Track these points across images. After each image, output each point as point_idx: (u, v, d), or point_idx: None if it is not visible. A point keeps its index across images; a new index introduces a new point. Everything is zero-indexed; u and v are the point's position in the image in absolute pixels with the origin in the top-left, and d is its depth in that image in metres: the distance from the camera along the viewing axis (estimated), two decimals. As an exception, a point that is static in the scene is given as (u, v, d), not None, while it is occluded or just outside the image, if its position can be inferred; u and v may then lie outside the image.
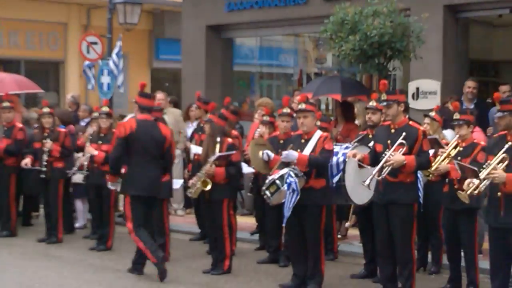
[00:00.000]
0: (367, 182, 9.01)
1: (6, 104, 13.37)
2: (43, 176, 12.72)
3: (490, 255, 8.55)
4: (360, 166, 9.41)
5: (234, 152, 10.43)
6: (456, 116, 9.46)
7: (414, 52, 12.64)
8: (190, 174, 11.99)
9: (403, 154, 8.91)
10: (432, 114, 10.49)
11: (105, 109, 12.14)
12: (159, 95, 14.62)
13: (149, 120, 10.46)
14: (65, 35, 24.69)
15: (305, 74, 19.09)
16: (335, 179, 10.17)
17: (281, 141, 10.66)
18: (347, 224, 12.07)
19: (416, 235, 10.25)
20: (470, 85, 13.24)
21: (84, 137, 12.78)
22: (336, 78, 14.67)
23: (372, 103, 10.14)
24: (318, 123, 10.70)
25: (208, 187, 10.43)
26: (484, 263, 9.54)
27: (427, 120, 10.46)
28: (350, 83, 13.72)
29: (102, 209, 12.34)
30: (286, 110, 10.69)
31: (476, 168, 8.10)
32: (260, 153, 10.16)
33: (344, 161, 10.05)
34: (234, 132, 11.59)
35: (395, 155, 8.87)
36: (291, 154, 9.43)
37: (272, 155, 10.06)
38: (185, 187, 13.74)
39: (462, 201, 8.36)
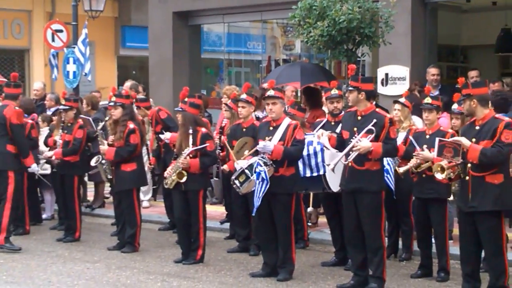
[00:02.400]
0: (331, 166, 9.01)
1: None
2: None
3: (460, 240, 8.55)
4: (325, 148, 9.39)
5: (207, 144, 10.33)
6: (428, 100, 9.45)
7: (383, 38, 12.58)
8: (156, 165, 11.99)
9: (370, 141, 8.86)
10: (402, 100, 10.44)
11: (114, 98, 11.46)
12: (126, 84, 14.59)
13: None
14: (29, 23, 24.45)
15: (273, 60, 18.98)
16: (315, 170, 10.07)
17: (244, 129, 10.59)
18: (309, 209, 12.05)
19: (387, 222, 10.27)
20: (434, 72, 13.22)
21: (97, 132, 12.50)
22: (297, 65, 14.64)
23: (334, 92, 10.07)
24: (288, 108, 10.67)
25: (184, 179, 10.34)
26: (454, 249, 9.54)
27: (397, 106, 10.42)
28: (310, 70, 13.69)
29: (66, 200, 12.19)
30: (243, 96, 10.66)
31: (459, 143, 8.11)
32: (246, 152, 10.03)
33: (322, 150, 9.96)
34: (205, 120, 11.51)
35: (362, 141, 8.83)
36: (267, 145, 9.35)
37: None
38: (154, 176, 13.69)
39: (432, 189, 8.38)
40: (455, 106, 10.11)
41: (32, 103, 14.27)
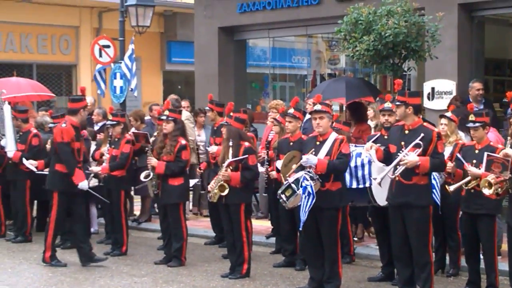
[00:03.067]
0: (378, 180, 8.98)
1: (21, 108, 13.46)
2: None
3: (510, 257, 8.45)
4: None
5: (246, 156, 10.36)
6: (472, 118, 9.36)
7: (429, 52, 12.53)
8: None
9: (418, 155, 8.83)
10: (449, 114, 10.38)
11: (166, 112, 11.50)
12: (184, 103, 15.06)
13: None
14: (77, 39, 24.71)
15: (318, 75, 18.97)
16: (361, 182, 10.06)
17: (291, 143, 10.59)
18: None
19: (434, 237, 10.19)
20: (478, 87, 13.06)
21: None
22: (342, 80, 14.55)
23: (388, 105, 10.03)
24: (334, 124, 10.67)
25: (226, 192, 10.38)
26: (503, 265, 9.44)
27: (444, 120, 10.34)
28: (356, 85, 13.62)
29: (113, 214, 12.29)
30: (291, 110, 10.66)
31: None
32: (294, 166, 10.03)
33: (369, 162, 9.94)
34: (250, 134, 11.56)
35: (409, 155, 8.81)
36: (311, 159, 9.34)
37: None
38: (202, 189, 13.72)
39: (481, 205, 8.32)
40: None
41: (85, 119, 14.39)
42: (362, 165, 9.99)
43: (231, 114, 10.86)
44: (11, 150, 13.23)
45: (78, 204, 11.53)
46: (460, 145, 9.84)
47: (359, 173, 10.00)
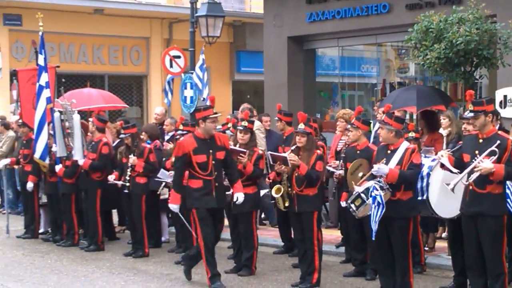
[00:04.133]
0: (451, 186, 8.92)
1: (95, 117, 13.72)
2: (126, 191, 12.88)
3: None
4: (442, 167, 9.24)
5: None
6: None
7: (501, 59, 12.37)
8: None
9: (492, 163, 8.72)
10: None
11: (245, 123, 11.50)
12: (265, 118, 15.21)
13: None
14: (148, 50, 25.07)
15: (388, 83, 18.88)
16: (419, 194, 9.98)
17: (358, 151, 10.58)
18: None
19: (508, 247, 10.02)
20: None
21: None
22: (413, 89, 14.43)
23: (469, 114, 9.91)
24: (413, 134, 10.65)
25: (280, 193, 10.52)
26: None
27: (513, 128, 10.19)
28: (427, 93, 13.48)
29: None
30: (352, 122, 10.72)
31: None
32: (360, 174, 10.02)
33: (428, 174, 9.86)
34: (320, 143, 11.58)
35: (484, 162, 8.70)
36: (382, 168, 9.29)
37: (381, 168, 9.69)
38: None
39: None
40: None
41: (157, 128, 14.58)
42: (421, 178, 9.88)
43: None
44: (79, 159, 13.47)
45: None
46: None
47: (418, 185, 9.89)
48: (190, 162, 10.42)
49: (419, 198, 9.89)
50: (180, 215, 10.87)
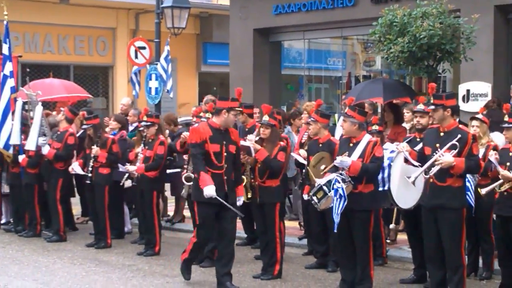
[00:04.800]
0: (412, 179, 8.99)
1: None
2: (88, 181, 12.83)
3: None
4: (406, 161, 9.30)
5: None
6: (506, 118, 9.30)
7: (464, 54, 12.47)
8: None
9: (453, 156, 8.80)
10: (480, 116, 10.31)
11: (208, 114, 11.26)
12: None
13: None
14: (113, 40, 24.93)
15: (353, 77, 18.96)
16: (381, 184, 10.06)
17: (320, 144, 10.62)
18: (391, 226, 11.96)
19: (467, 240, 10.12)
20: None
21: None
22: (379, 81, 14.54)
23: (420, 107, 10.00)
24: (376, 127, 10.72)
25: (243, 184, 10.52)
26: (537, 268, 9.35)
27: (475, 122, 10.25)
28: (393, 86, 13.59)
29: (146, 214, 12.37)
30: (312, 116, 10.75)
31: None
32: (322, 167, 10.07)
33: (389, 166, 9.93)
34: (283, 135, 11.61)
35: (445, 156, 8.78)
36: (344, 160, 9.33)
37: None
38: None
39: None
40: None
41: (125, 119, 14.51)
42: (383, 169, 9.95)
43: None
44: (31, 149, 13.42)
45: None
46: (492, 147, 9.78)
47: (379, 176, 9.95)
48: (205, 151, 9.82)
49: (380, 188, 9.96)
50: (220, 199, 9.69)
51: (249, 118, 12.73)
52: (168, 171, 13.04)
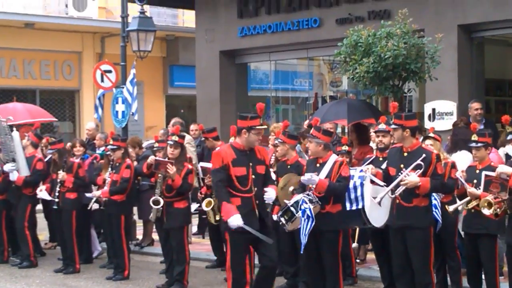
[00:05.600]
0: (378, 199, 9.05)
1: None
2: (55, 207, 12.75)
3: (510, 277, 8.44)
4: (372, 182, 9.35)
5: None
6: (474, 138, 9.36)
7: (429, 73, 12.56)
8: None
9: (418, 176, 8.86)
10: (432, 134, 10.32)
11: (175, 137, 11.30)
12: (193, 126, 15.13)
13: None
14: (79, 64, 24.86)
15: (320, 97, 19.03)
16: (355, 204, 10.09)
17: (289, 166, 10.64)
18: (354, 245, 11.97)
19: (434, 257, 10.16)
20: (477, 107, 13.10)
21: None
22: (343, 102, 14.59)
23: (382, 126, 10.06)
24: (346, 147, 10.82)
25: (211, 207, 10.59)
26: (505, 285, 9.41)
27: (429, 141, 10.20)
28: (357, 107, 13.63)
29: (114, 238, 12.30)
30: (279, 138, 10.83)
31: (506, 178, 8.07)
32: (290, 189, 10.09)
33: (362, 184, 9.97)
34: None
35: (410, 176, 8.82)
36: (312, 178, 9.35)
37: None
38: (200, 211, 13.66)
39: (481, 225, 8.36)
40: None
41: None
42: (355, 187, 10.01)
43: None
44: (25, 175, 13.27)
45: None
46: (450, 164, 9.83)
47: (352, 195, 10.00)
48: (228, 175, 9.07)
49: (354, 208, 9.98)
50: (248, 228, 8.94)
51: (215, 142, 12.72)
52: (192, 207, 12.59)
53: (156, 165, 11.15)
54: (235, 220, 8.80)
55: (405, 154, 9.06)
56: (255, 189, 9.10)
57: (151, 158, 11.43)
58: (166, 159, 11.13)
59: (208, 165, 10.90)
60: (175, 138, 11.30)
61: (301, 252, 9.58)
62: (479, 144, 9.31)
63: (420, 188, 8.84)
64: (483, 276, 9.67)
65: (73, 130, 24.91)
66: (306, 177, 9.41)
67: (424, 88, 14.24)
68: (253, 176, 9.10)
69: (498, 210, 8.27)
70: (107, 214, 12.35)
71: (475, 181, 9.21)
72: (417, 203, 8.94)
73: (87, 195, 12.49)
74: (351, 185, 9.98)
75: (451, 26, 13.87)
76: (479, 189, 9.00)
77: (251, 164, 9.12)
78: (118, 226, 12.18)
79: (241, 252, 9.11)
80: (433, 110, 14.16)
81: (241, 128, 9.13)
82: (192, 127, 15.42)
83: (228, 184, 9.01)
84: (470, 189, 9.12)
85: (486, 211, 8.37)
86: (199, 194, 12.45)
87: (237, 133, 9.24)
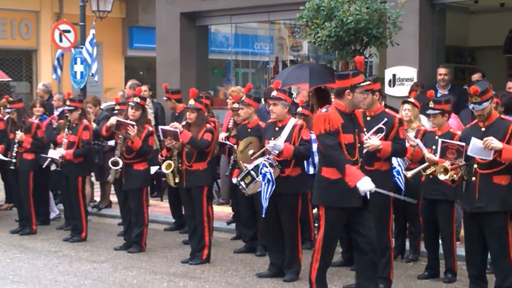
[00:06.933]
0: None
1: None
2: (12, 167, 12.60)
3: (466, 242, 8.53)
4: None
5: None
6: (431, 105, 9.41)
7: (390, 39, 12.53)
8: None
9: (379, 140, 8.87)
10: (412, 99, 10.38)
11: (137, 99, 11.23)
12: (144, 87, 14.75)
13: None
14: (37, 24, 24.49)
15: (281, 61, 18.96)
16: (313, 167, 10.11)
17: (249, 129, 10.61)
18: (314, 211, 12.00)
19: (394, 223, 10.24)
20: (441, 72, 13.23)
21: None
22: (305, 66, 14.57)
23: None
24: (300, 109, 10.66)
25: (170, 169, 10.59)
26: (461, 250, 9.48)
27: (407, 106, 10.30)
28: (319, 71, 13.60)
29: (71, 200, 12.21)
30: (243, 98, 10.73)
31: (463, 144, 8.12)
32: (250, 152, 10.06)
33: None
34: (212, 119, 11.61)
35: (371, 139, 8.82)
36: (277, 144, 9.32)
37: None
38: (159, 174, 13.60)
39: (439, 191, 8.43)
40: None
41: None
42: (313, 152, 10.00)
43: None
44: None
45: None
46: (423, 131, 9.87)
47: (316, 159, 10.00)
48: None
49: (312, 171, 9.99)
50: (383, 191, 8.25)
51: (177, 104, 12.61)
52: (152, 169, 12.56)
53: (117, 126, 11.07)
54: (366, 184, 7.70)
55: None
56: (361, 160, 8.08)
57: (113, 119, 11.33)
58: (128, 121, 11.05)
59: (168, 127, 10.83)
60: (137, 99, 11.22)
61: (262, 216, 9.58)
62: (436, 111, 9.36)
63: (381, 151, 8.85)
64: (440, 241, 9.77)
65: (30, 91, 24.61)
66: (271, 144, 9.38)
67: (385, 53, 14.21)
68: (359, 145, 8.09)
69: (455, 176, 8.31)
70: (64, 175, 12.24)
71: (434, 147, 9.25)
72: (378, 166, 8.94)
73: (49, 153, 12.32)
74: (314, 148, 9.97)
75: (413, -8, 13.84)
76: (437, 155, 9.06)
77: (356, 130, 8.05)
78: (75, 187, 12.09)
79: (338, 231, 8.23)
80: (394, 75, 14.15)
81: (343, 89, 7.94)
82: (143, 88, 15.21)
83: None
84: (428, 155, 9.16)
85: (442, 177, 8.41)
86: (159, 156, 12.38)
87: (338, 95, 7.99)
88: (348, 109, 7.96)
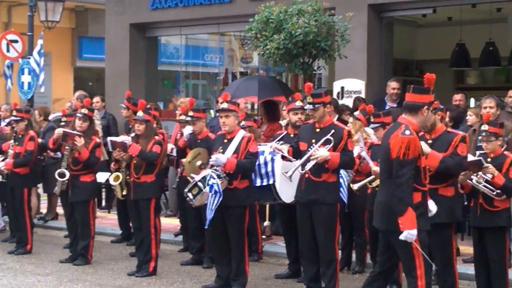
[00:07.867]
0: (289, 173, 9.07)
1: None
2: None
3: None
4: (284, 158, 9.37)
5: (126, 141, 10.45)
6: (372, 119, 9.54)
7: (338, 52, 12.63)
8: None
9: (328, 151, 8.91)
10: (356, 113, 10.47)
11: (84, 110, 11.17)
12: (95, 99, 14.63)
13: None
14: (-15, 33, 24.15)
15: (230, 73, 18.99)
16: (265, 179, 10.09)
17: (199, 140, 10.66)
18: (265, 223, 12.02)
19: (341, 234, 10.28)
20: (394, 86, 13.32)
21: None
22: (254, 79, 14.61)
23: (299, 103, 10.08)
24: (243, 122, 10.65)
25: (118, 181, 10.57)
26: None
27: (350, 119, 10.45)
28: (268, 84, 13.64)
29: (16, 212, 12.06)
30: (190, 113, 10.78)
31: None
32: (198, 163, 10.04)
33: (272, 160, 9.98)
34: (160, 131, 11.55)
35: (320, 150, 8.86)
36: (220, 158, 9.30)
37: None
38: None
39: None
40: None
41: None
42: (265, 163, 10.02)
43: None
44: None
45: None
46: (369, 144, 9.94)
47: (263, 171, 10.01)
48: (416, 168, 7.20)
49: (265, 183, 10.00)
50: (419, 248, 7.21)
51: (134, 115, 12.50)
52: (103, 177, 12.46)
53: (63, 137, 10.98)
54: (412, 236, 7.04)
55: (317, 130, 9.09)
56: (427, 182, 7.42)
57: (59, 130, 11.22)
58: (75, 132, 10.96)
59: (117, 139, 10.78)
60: (85, 111, 11.15)
61: (205, 227, 9.56)
62: (376, 125, 9.48)
63: (329, 162, 8.89)
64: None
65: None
66: (213, 158, 9.37)
67: (334, 66, 14.30)
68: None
69: None
70: (9, 186, 12.09)
71: (379, 159, 9.29)
72: (325, 178, 8.99)
73: None
74: (262, 160, 9.99)
75: (361, 5, 13.93)
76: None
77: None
78: (21, 199, 11.95)
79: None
80: (342, 88, 14.23)
81: (421, 105, 7.20)
82: (95, 99, 15.19)
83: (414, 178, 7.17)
84: (374, 168, 9.22)
85: None
86: (112, 166, 12.31)
87: (412, 111, 7.21)
88: (418, 128, 7.33)
